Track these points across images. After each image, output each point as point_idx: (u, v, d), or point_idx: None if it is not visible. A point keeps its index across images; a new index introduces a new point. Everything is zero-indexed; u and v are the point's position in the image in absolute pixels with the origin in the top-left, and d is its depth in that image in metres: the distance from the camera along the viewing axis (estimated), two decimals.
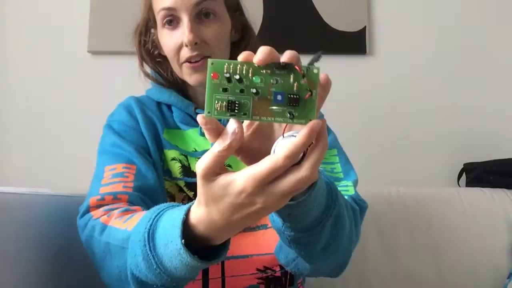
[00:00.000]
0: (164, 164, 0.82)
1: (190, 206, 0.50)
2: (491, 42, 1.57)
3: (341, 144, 0.90)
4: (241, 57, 0.44)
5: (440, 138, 1.53)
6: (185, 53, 0.79)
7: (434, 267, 1.23)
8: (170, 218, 0.51)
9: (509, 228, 1.25)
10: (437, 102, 1.54)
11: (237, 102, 0.44)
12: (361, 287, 1.21)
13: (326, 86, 0.46)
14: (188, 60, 0.79)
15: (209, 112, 0.44)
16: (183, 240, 0.48)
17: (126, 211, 0.66)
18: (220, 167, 0.45)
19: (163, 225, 0.52)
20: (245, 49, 0.74)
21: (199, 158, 0.77)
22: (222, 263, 0.76)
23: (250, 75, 0.44)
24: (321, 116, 0.81)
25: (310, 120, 0.44)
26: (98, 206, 0.70)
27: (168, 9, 0.78)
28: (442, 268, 1.22)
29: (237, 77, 0.43)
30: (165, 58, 0.87)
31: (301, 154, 0.44)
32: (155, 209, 0.56)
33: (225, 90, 0.44)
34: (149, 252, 0.52)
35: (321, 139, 0.44)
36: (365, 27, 1.52)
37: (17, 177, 1.45)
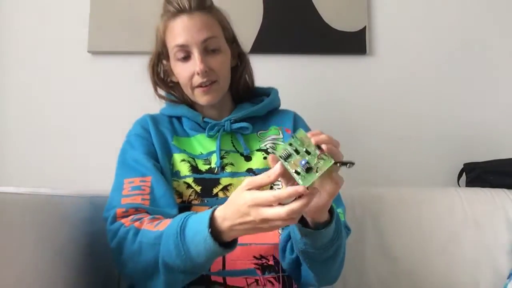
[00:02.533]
0: (173, 167, 0.98)
1: (216, 207, 0.71)
2: (491, 42, 1.57)
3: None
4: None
5: (440, 138, 1.53)
6: (197, 80, 0.99)
7: (434, 267, 1.23)
8: (199, 217, 0.73)
9: (509, 228, 1.25)
10: (437, 102, 1.54)
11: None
12: (360, 287, 1.21)
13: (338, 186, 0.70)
14: (200, 85, 0.99)
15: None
16: (209, 229, 0.69)
17: (154, 219, 0.83)
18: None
19: (192, 220, 0.73)
20: (242, 74, 1.09)
21: (205, 159, 1.00)
22: None
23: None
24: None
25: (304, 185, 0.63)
26: (125, 217, 0.86)
27: (182, 46, 0.97)
28: (442, 268, 1.22)
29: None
30: (176, 83, 1.06)
31: (291, 200, 0.62)
32: (182, 214, 0.76)
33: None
34: (179, 242, 0.72)
35: (306, 198, 0.63)
36: (365, 27, 1.52)
37: (17, 177, 1.45)
